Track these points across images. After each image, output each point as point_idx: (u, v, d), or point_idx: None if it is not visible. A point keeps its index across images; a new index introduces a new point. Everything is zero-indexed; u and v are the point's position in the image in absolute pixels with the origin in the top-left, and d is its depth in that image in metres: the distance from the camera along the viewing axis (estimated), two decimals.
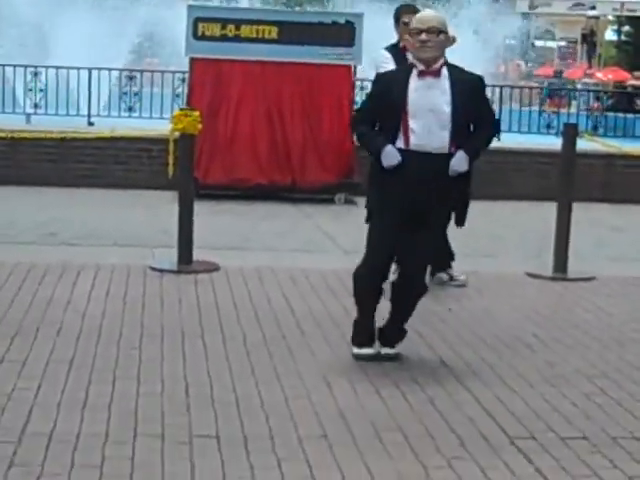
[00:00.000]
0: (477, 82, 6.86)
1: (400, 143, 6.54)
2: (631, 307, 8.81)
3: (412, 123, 6.53)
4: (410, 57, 7.01)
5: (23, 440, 5.15)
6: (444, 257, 9.32)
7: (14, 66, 17.41)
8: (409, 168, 6.47)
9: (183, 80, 15.49)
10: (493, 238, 11.98)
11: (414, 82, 6.60)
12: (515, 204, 14.34)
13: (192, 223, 9.51)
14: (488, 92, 17.12)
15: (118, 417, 5.54)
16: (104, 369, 6.37)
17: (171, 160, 10.09)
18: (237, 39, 14.06)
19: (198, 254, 9.51)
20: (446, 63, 6.69)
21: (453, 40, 6.75)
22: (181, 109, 10.53)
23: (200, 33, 14.05)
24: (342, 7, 22.22)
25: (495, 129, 7.29)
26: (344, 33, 13.79)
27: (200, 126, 9.70)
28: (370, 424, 5.62)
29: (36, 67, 17.10)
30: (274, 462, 5.03)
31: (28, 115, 16.48)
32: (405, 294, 6.91)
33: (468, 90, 6.63)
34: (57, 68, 16.84)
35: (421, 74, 6.61)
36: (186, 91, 14.82)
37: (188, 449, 5.15)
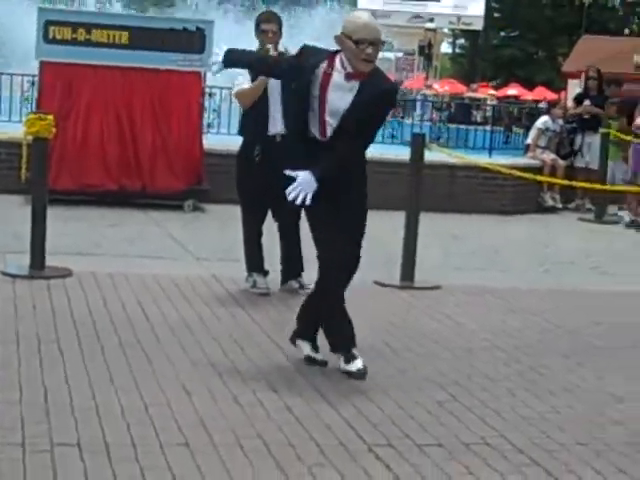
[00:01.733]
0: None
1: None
2: (477, 315, 8.97)
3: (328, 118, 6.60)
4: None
5: None
6: (297, 265, 9.36)
7: None
8: None
9: (33, 83, 15.22)
10: None
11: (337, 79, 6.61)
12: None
13: (45, 228, 9.37)
14: None
15: None
16: None
17: (24, 164, 9.91)
18: (88, 43, 13.90)
19: (51, 260, 9.37)
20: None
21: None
22: (34, 112, 10.37)
23: (51, 36, 13.85)
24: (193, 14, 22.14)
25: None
26: (195, 39, 13.73)
27: (54, 130, 9.58)
28: (231, 432, 5.60)
29: None
30: (137, 470, 4.97)
31: None
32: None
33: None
34: None
35: (348, 76, 6.58)
36: (36, 95, 14.57)
37: (50, 457, 5.06)
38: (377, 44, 6.51)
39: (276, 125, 9.01)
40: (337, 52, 6.62)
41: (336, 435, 5.67)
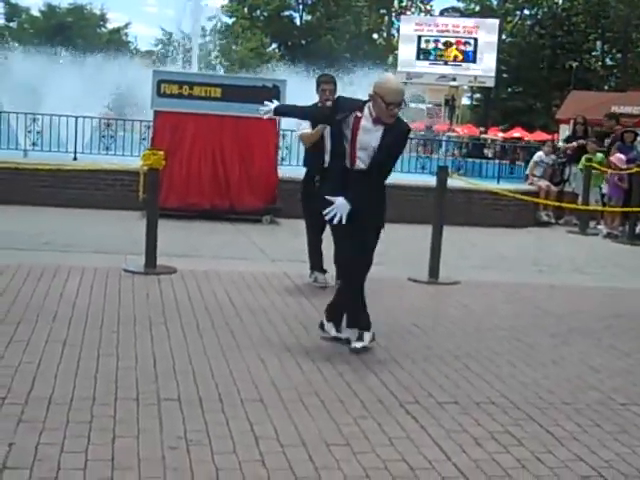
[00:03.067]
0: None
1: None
2: (487, 304, 8.91)
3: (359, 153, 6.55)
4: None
5: (29, 402, 5.05)
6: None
7: (17, 113, 17.12)
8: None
9: (148, 127, 15.34)
10: (381, 251, 12.01)
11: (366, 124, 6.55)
12: (399, 226, 14.41)
13: (156, 236, 9.42)
14: None
15: (102, 384, 5.45)
16: (90, 347, 6.26)
17: (141, 188, 9.99)
18: (190, 97, 13.98)
19: (160, 260, 9.43)
20: None
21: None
22: (149, 149, 10.44)
23: (162, 91, 13.95)
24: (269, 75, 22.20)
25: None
26: (271, 94, 13.73)
27: (164, 162, 9.64)
28: (295, 391, 5.60)
29: (34, 114, 16.85)
30: (223, 419, 4.99)
31: (25, 151, 16.21)
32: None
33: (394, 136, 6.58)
34: (50, 115, 16.61)
35: (375, 121, 6.53)
36: (150, 136, 14.69)
37: (157, 409, 5.08)
38: (401, 104, 6.51)
39: None
40: (366, 102, 6.58)
41: (375, 394, 5.66)
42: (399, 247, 12.31)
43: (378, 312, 8.11)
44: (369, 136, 6.53)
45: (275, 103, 7.15)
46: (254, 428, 4.87)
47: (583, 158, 16.83)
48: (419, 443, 4.84)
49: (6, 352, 6.03)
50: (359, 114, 6.55)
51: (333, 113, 6.74)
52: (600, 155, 16.95)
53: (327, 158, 8.90)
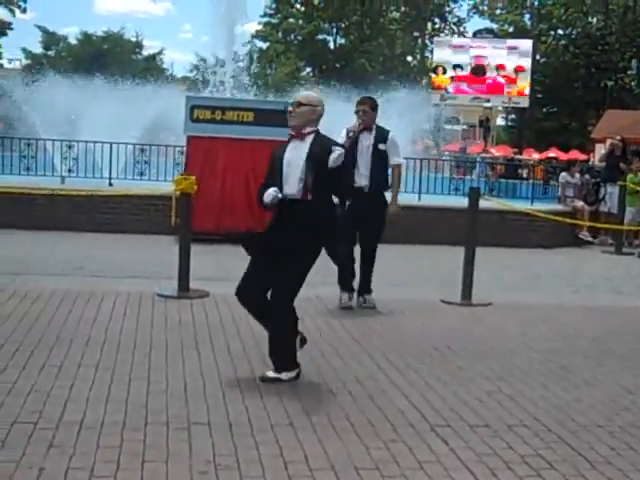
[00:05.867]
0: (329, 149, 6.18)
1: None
2: (520, 325, 8.83)
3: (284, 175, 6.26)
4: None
5: (59, 427, 5.07)
6: (366, 284, 9.40)
7: (52, 140, 17.29)
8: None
9: (181, 152, 15.44)
10: (415, 273, 12.01)
11: (289, 145, 6.36)
12: (432, 248, 14.42)
13: (189, 260, 9.46)
14: (412, 163, 17.32)
15: (133, 409, 5.46)
16: (122, 372, 6.29)
17: (174, 213, 10.03)
18: (223, 121, 14.07)
19: (193, 284, 9.46)
20: (315, 131, 6.34)
21: (315, 112, 6.34)
22: (181, 174, 10.51)
23: (195, 117, 14.05)
24: None
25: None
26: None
27: (195, 187, 9.68)
28: (325, 415, 5.58)
29: (69, 141, 17.02)
30: (252, 443, 4.97)
31: (63, 177, 16.37)
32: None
33: (322, 152, 6.12)
34: (86, 142, 16.79)
35: (291, 137, 6.37)
36: (184, 160, 14.78)
37: (187, 433, 5.08)
38: (295, 105, 6.31)
39: (361, 180, 9.04)
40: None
41: (406, 417, 5.62)
42: (432, 269, 12.30)
43: (410, 334, 8.13)
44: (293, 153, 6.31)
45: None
46: (283, 452, 4.85)
47: (628, 177, 16.79)
48: (449, 466, 4.80)
49: (39, 377, 6.06)
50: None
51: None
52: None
53: (357, 178, 8.95)
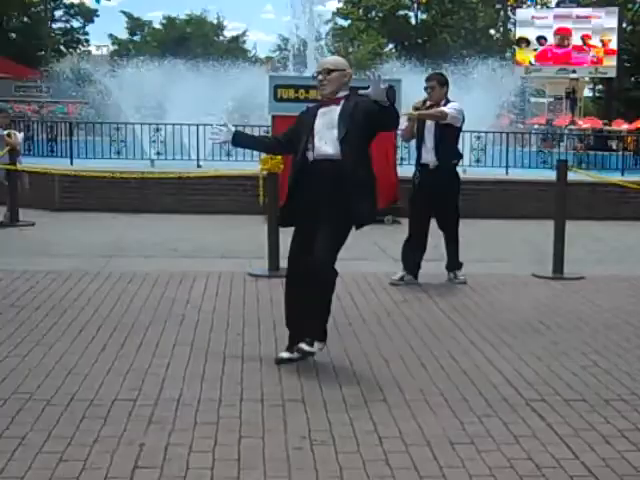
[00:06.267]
0: (367, 110, 5.93)
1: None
2: (614, 299, 8.67)
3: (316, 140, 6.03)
4: None
5: (158, 403, 5.16)
6: (454, 261, 9.35)
7: (141, 124, 17.53)
8: None
9: (266, 132, 15.51)
10: (506, 248, 11.89)
11: (320, 111, 6.11)
12: (522, 222, 14.24)
13: (278, 239, 9.51)
14: (498, 137, 17.14)
15: (228, 386, 5.54)
16: (216, 350, 6.37)
17: (261, 192, 10.08)
18: (306, 100, 14.05)
19: (284, 262, 9.49)
20: (347, 96, 6.10)
21: (347, 75, 6.15)
22: (267, 154, 10.53)
23: (279, 96, 14.09)
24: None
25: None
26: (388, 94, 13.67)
27: (282, 167, 9.71)
28: (419, 391, 5.57)
29: (157, 124, 17.24)
30: (347, 419, 4.99)
31: (152, 161, 16.57)
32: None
33: (356, 113, 5.95)
34: (173, 125, 16.97)
35: (322, 104, 6.16)
36: None
37: (281, 410, 5.13)
38: (324, 72, 6.10)
39: (427, 156, 8.96)
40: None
41: (500, 392, 5.58)
42: (523, 243, 12.17)
43: (502, 309, 8.06)
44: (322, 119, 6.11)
45: (232, 129, 6.54)
46: (378, 428, 4.86)
47: None
48: (546, 441, 4.75)
49: (136, 356, 6.18)
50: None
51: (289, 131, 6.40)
52: None
53: (423, 153, 8.89)
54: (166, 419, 4.90)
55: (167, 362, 6.02)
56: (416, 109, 9.00)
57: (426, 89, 9.04)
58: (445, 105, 8.94)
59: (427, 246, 9.23)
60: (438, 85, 9.02)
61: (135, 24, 75.95)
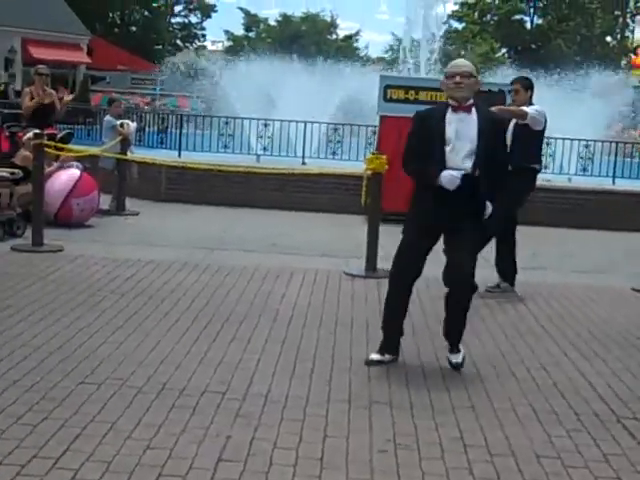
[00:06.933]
0: (499, 121, 6.37)
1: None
2: None
3: (448, 150, 5.93)
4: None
5: (246, 398, 5.20)
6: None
7: (249, 119, 17.70)
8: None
9: (374, 132, 15.50)
10: (607, 259, 11.63)
11: (449, 116, 5.98)
12: (628, 234, 13.88)
13: (377, 240, 9.49)
14: (607, 146, 16.77)
15: (317, 385, 5.54)
16: (307, 348, 6.39)
17: (364, 192, 10.04)
18: (416, 101, 13.97)
19: (381, 264, 9.47)
20: (475, 104, 6.05)
21: (479, 84, 6.17)
22: (372, 153, 10.53)
23: (389, 96, 14.05)
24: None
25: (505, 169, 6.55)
26: (498, 98, 13.50)
27: (387, 167, 9.68)
28: (507, 399, 5.49)
29: (265, 120, 17.37)
30: (433, 425, 4.96)
31: (258, 156, 16.70)
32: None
33: (491, 126, 6.04)
34: (281, 121, 17.07)
35: (454, 109, 6.00)
36: (376, 140, 14.83)
37: (367, 412, 5.11)
38: (465, 75, 5.99)
39: None
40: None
41: (591, 407, 5.46)
42: (625, 256, 11.88)
43: (598, 321, 7.89)
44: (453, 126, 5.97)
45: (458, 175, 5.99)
46: (464, 435, 4.81)
47: None
48: (636, 461, 4.62)
49: (228, 349, 6.24)
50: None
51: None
52: None
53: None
54: (253, 414, 4.93)
55: (258, 357, 6.06)
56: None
57: (510, 92, 8.99)
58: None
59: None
60: (522, 89, 8.92)
61: (251, 21, 76.77)
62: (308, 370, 5.85)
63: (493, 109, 8.66)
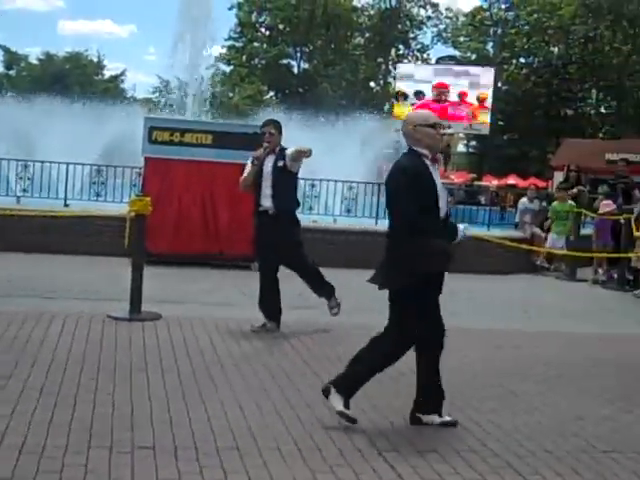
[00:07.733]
0: None
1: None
2: (480, 351, 8.80)
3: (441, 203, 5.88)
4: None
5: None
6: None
7: (8, 160, 17.14)
8: None
9: (139, 174, 15.37)
10: None
11: (431, 168, 5.88)
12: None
13: (142, 282, 9.38)
14: (370, 188, 17.32)
15: (77, 432, 5.37)
16: (68, 395, 6.19)
17: (127, 234, 9.92)
18: (181, 144, 14.02)
19: (145, 306, 9.38)
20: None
21: None
22: (136, 195, 10.45)
23: (153, 138, 13.99)
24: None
25: None
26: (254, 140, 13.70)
27: (151, 208, 9.61)
28: (272, 439, 5.51)
29: (25, 161, 16.89)
30: (197, 468, 4.91)
31: (18, 197, 16.19)
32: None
33: None
34: (42, 162, 16.64)
35: (432, 160, 5.90)
36: (140, 182, 14.73)
37: (130, 457, 5.00)
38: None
39: (266, 201, 9.03)
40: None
41: (353, 442, 5.55)
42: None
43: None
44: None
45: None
46: (228, 477, 4.80)
47: (553, 204, 17.24)
48: None
49: None
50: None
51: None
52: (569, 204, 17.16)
53: (262, 201, 9.00)
54: (5, 468, 4.70)
55: (12, 408, 5.78)
56: (256, 158, 9.05)
57: (264, 134, 9.08)
58: (281, 151, 9.08)
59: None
60: (276, 130, 9.13)
61: (11, 58, 74.66)
62: (67, 417, 5.64)
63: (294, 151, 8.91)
